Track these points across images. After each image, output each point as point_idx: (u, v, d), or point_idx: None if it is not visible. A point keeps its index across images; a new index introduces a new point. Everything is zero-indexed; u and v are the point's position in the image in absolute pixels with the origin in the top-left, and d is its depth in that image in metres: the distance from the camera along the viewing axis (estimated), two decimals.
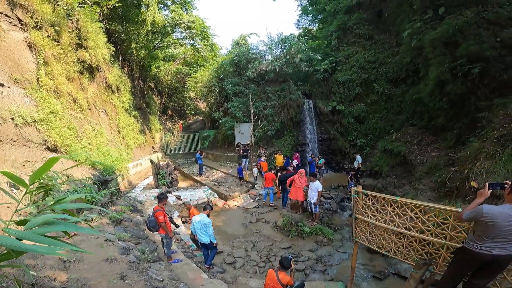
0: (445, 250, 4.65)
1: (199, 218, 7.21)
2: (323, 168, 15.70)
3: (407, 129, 15.52)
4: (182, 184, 16.30)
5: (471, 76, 12.00)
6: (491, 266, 3.54)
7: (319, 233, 9.43)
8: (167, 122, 30.87)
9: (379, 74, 19.17)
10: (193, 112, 34.40)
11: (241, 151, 17.18)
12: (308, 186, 10.12)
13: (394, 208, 5.26)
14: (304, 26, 32.17)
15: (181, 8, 26.19)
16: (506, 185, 3.16)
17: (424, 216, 4.85)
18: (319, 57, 21.29)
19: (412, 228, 5.04)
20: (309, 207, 10.12)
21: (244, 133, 20.10)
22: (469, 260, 3.68)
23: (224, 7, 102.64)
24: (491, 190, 3.43)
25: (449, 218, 4.49)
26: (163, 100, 32.60)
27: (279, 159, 15.94)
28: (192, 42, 27.32)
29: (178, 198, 13.16)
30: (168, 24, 24.22)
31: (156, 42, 26.36)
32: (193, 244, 8.78)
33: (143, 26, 21.60)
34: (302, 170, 10.37)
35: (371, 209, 5.73)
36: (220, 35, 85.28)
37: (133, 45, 22.73)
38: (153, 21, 22.36)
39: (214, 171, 18.26)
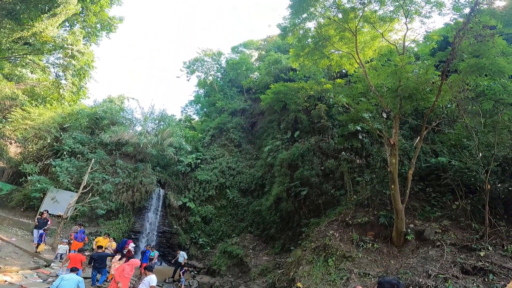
0: None
1: None
2: (155, 261, 13.49)
3: (246, 236, 16.48)
4: None
5: (300, 197, 15.15)
6: None
7: None
8: None
9: (234, 181, 20.84)
10: None
11: (35, 220, 13.26)
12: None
13: None
14: (188, 114, 33.16)
15: (83, 36, 22.24)
16: None
17: None
18: (189, 148, 21.65)
19: None
20: None
21: (60, 203, 15.59)
22: None
23: (122, 57, 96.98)
24: None
25: None
26: None
27: (102, 243, 12.63)
28: (61, 73, 22.13)
29: None
30: (52, 42, 19.33)
31: (16, 54, 20.22)
32: None
33: (22, 28, 16.39)
34: (136, 260, 9.31)
35: None
36: (100, 82, 76.47)
37: None
38: (41, 30, 17.57)
39: None
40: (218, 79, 29.59)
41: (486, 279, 6.79)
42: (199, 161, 22.14)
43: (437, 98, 10.42)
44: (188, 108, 33.91)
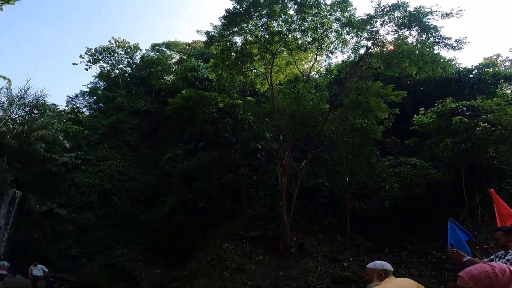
0: None
1: None
2: (4, 272, 11.08)
3: (134, 247, 15.07)
4: None
5: (197, 209, 15.04)
6: None
7: None
8: None
9: (124, 188, 18.44)
10: None
11: None
12: None
13: None
14: (77, 106, 27.67)
15: None
16: None
17: None
18: (68, 145, 17.74)
19: None
20: None
21: None
22: None
23: None
24: None
25: None
26: None
27: None
28: None
29: None
30: None
31: None
32: None
33: None
34: None
35: None
36: None
37: None
38: None
39: None
40: (126, 74, 26.36)
41: None
42: (80, 161, 18.66)
43: (323, 127, 12.53)
44: (78, 99, 28.52)
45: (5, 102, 17.67)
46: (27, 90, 18.54)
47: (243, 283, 10.42)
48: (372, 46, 12.10)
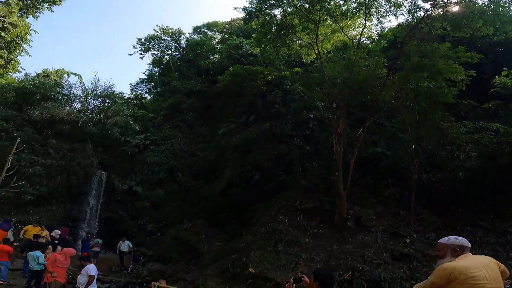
0: None
1: None
2: (98, 248, 12.99)
3: (197, 221, 16.44)
4: None
5: (252, 181, 15.46)
6: None
7: None
8: None
9: (186, 164, 20.07)
10: None
11: None
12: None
13: None
14: (140, 92, 30.91)
15: (19, 8, 18.62)
16: (302, 278, 3.60)
17: None
18: (137, 128, 20.06)
19: None
20: None
21: None
22: None
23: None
24: (294, 284, 3.73)
25: None
26: None
27: (32, 231, 11.70)
28: None
29: None
30: None
31: None
32: None
33: None
34: (69, 249, 9.02)
35: None
36: (41, 58, 65.27)
37: None
38: None
39: None
40: (176, 58, 27.96)
41: (411, 265, 8.06)
42: (148, 142, 20.76)
43: (381, 92, 11.38)
44: (139, 87, 31.60)
45: (81, 95, 20.33)
46: (97, 82, 21.02)
47: (297, 256, 10.48)
48: (431, 8, 10.16)
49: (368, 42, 15.53)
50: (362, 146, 14.00)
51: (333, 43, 14.77)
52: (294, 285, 3.50)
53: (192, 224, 16.01)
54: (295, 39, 14.31)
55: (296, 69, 15.50)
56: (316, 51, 13.27)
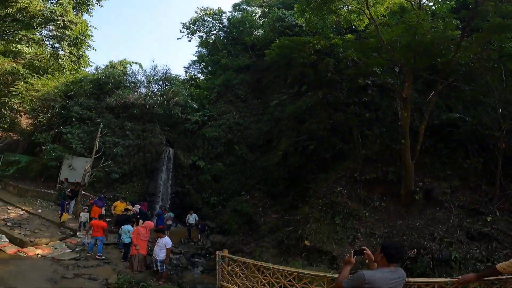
0: None
1: None
2: (170, 222, 14.37)
3: (254, 193, 17.11)
4: None
5: (307, 151, 15.07)
6: None
7: None
8: None
9: (242, 137, 20.79)
10: (6, 127, 24.93)
11: (68, 191, 13.41)
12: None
13: (266, 276, 4.81)
14: (193, 73, 32.75)
15: (72, 7, 21.53)
16: (364, 251, 3.28)
17: (298, 284, 4.53)
18: (195, 106, 21.42)
19: None
20: (154, 265, 8.69)
21: (77, 169, 16.02)
22: None
23: (121, 24, 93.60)
24: (355, 257, 3.46)
25: (323, 284, 4.33)
26: None
27: (120, 207, 13.39)
28: (57, 45, 21.93)
29: None
30: (41, 16, 19.20)
31: (8, 31, 19.88)
32: None
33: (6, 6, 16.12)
34: (149, 223, 9.61)
35: (239, 276, 5.11)
36: (98, 50, 75.17)
37: None
38: (26, 6, 17.52)
39: (10, 207, 12.92)
40: (221, 37, 28.44)
41: (489, 246, 6.97)
42: (206, 118, 21.97)
43: (455, 53, 9.90)
44: (192, 68, 32.99)
45: (144, 80, 22.05)
46: (156, 68, 22.77)
47: (355, 230, 10.11)
48: None
49: (431, 3, 13.79)
50: (434, 112, 12.30)
51: (387, 7, 13.26)
52: (355, 257, 3.34)
53: (250, 196, 16.64)
54: (342, 5, 13.11)
55: (348, 36, 14.34)
56: (369, 16, 11.93)
